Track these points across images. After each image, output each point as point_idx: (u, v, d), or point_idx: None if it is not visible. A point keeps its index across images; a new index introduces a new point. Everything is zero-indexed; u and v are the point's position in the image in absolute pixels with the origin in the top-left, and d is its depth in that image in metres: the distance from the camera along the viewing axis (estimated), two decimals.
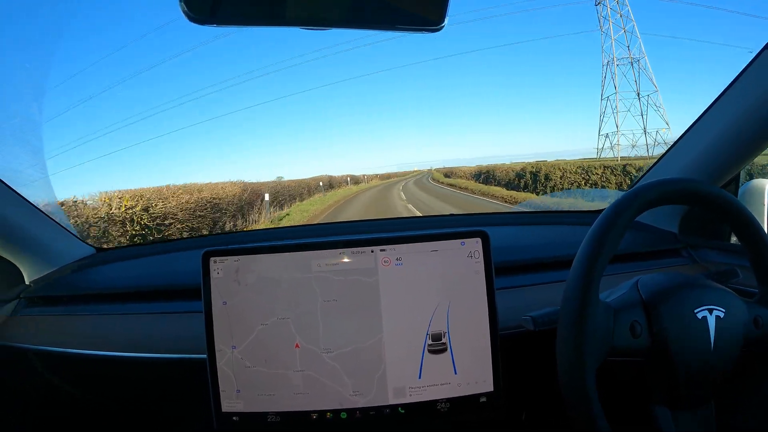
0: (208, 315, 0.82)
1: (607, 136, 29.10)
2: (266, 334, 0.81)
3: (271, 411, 0.81)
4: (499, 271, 0.86)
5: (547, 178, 17.59)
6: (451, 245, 0.84)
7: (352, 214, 13.28)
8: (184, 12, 0.66)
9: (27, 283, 1.11)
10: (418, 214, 10.37)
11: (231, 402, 0.81)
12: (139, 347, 0.94)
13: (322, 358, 0.81)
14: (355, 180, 34.21)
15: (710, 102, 1.07)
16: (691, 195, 0.73)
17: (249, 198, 11.59)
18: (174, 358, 0.92)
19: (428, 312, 0.82)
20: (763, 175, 1.26)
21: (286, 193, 15.47)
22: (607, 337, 0.68)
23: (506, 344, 0.85)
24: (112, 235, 6.99)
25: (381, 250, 0.83)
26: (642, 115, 28.38)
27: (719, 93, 1.06)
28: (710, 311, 0.70)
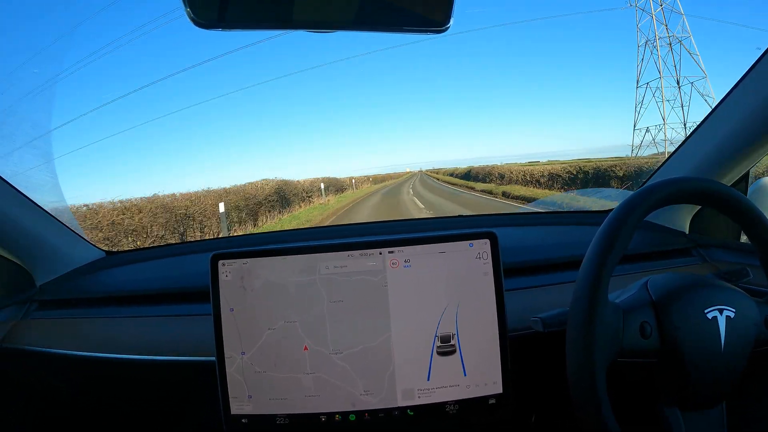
0: (217, 320, 0.82)
1: (647, 130, 24.44)
2: (274, 339, 0.82)
3: (280, 413, 0.81)
4: (507, 272, 0.86)
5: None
6: (460, 246, 0.83)
7: None
8: (191, 17, 0.66)
9: (37, 286, 1.13)
10: None
11: (240, 404, 0.82)
12: (149, 350, 0.94)
13: (331, 360, 0.81)
14: (338, 186, 22.72)
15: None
16: (700, 194, 0.73)
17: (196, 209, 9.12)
18: (183, 360, 0.92)
19: (437, 314, 0.82)
20: None
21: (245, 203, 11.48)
22: (617, 338, 0.68)
23: (515, 346, 0.84)
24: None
25: (389, 252, 0.83)
26: (682, 107, 23.28)
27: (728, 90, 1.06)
28: (720, 311, 0.70)
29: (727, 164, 1.09)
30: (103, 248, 1.30)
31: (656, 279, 0.76)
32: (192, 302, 1.04)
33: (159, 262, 1.29)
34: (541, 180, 17.78)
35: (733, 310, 0.70)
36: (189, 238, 8.53)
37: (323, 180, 19.20)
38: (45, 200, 1.12)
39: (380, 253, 0.83)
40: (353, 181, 28.21)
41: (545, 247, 1.21)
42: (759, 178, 1.20)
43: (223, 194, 10.74)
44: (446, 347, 0.82)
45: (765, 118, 0.96)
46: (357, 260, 0.83)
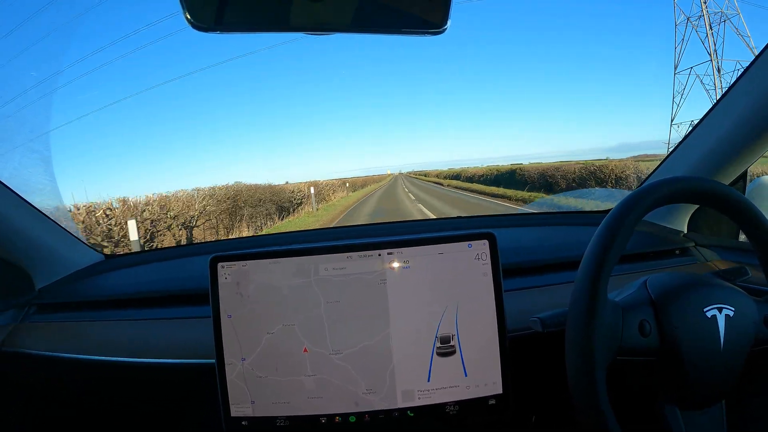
0: (217, 323, 0.82)
1: (691, 124, 16.66)
2: (274, 343, 0.82)
3: (280, 415, 0.81)
4: (506, 272, 0.86)
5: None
6: (459, 247, 0.83)
7: None
8: (188, 20, 0.66)
9: (36, 289, 1.12)
10: None
11: (240, 407, 0.82)
12: (148, 353, 0.94)
13: (331, 360, 0.81)
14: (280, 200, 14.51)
15: None
16: (698, 193, 0.73)
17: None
18: (183, 363, 0.92)
19: (436, 315, 0.82)
20: None
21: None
22: (616, 337, 0.68)
23: (515, 346, 0.85)
24: None
25: (388, 254, 0.83)
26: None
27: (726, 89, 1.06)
28: (720, 310, 0.70)
29: (725, 163, 1.09)
30: (102, 251, 1.30)
31: (655, 278, 0.76)
32: (191, 305, 1.04)
33: (158, 265, 1.29)
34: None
35: (732, 309, 0.70)
36: None
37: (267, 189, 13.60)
38: (44, 203, 1.12)
39: (379, 255, 0.83)
40: (311, 190, 17.03)
41: (544, 247, 1.21)
42: (757, 176, 1.20)
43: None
44: (446, 348, 0.82)
45: (763, 117, 0.97)
46: (356, 262, 0.83)
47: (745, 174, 1.14)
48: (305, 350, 0.81)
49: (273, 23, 0.72)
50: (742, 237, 1.18)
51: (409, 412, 0.82)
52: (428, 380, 0.82)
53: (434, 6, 0.70)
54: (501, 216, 1.66)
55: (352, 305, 0.82)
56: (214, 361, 0.82)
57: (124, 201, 8.69)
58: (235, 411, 0.82)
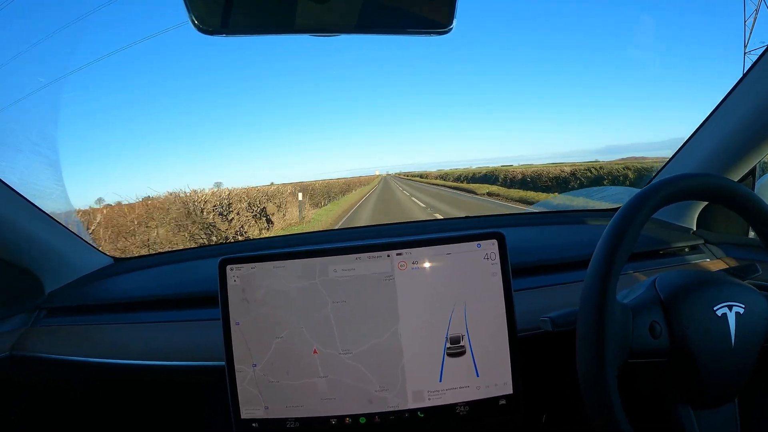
0: (226, 326, 0.82)
1: None
2: (283, 347, 0.82)
3: (290, 417, 0.81)
4: (515, 272, 0.86)
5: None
6: (467, 247, 0.83)
7: None
8: (194, 24, 0.66)
9: (46, 294, 1.13)
10: None
11: (250, 409, 0.82)
12: (158, 355, 0.95)
13: (342, 360, 0.81)
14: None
15: None
16: (708, 190, 0.72)
17: None
18: (193, 365, 0.93)
19: (446, 315, 0.82)
20: None
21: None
22: (626, 340, 0.68)
23: (525, 346, 0.84)
24: None
25: (397, 254, 0.83)
26: None
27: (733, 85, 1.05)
28: (730, 308, 0.69)
29: (733, 160, 1.08)
30: (112, 255, 1.31)
31: (664, 277, 0.76)
32: (201, 307, 1.04)
33: (167, 267, 1.29)
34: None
35: (743, 306, 0.70)
36: None
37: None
38: (52, 207, 1.13)
39: (388, 255, 0.83)
40: (287, 188, 13.20)
41: (553, 246, 1.21)
42: (766, 173, 1.19)
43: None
44: (456, 348, 0.81)
45: None
46: (365, 263, 0.83)
47: (754, 170, 1.13)
48: (315, 352, 0.81)
49: (278, 25, 0.72)
50: (752, 234, 1.18)
51: (419, 412, 0.82)
52: (440, 380, 0.81)
53: (440, 5, 0.70)
54: (509, 215, 1.65)
55: (359, 304, 0.82)
56: (224, 363, 0.82)
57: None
58: (246, 413, 0.82)
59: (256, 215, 10.56)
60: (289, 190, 13.22)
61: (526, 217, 1.67)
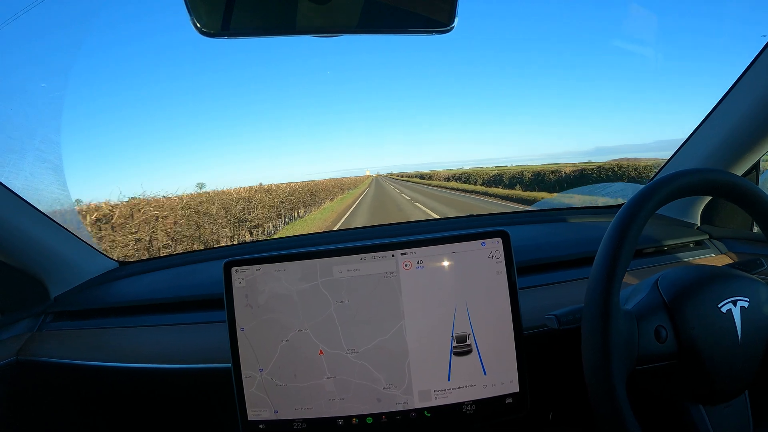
0: (232, 328, 0.82)
1: None
2: (289, 349, 0.82)
3: (297, 418, 0.81)
4: (520, 270, 0.86)
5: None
6: (472, 246, 0.83)
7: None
8: (195, 26, 0.67)
9: (52, 298, 1.14)
10: None
11: (257, 411, 0.82)
12: (165, 358, 0.95)
13: (348, 360, 0.81)
14: None
15: None
16: (712, 185, 0.72)
17: None
18: (199, 368, 0.93)
19: (451, 314, 0.82)
20: None
21: None
22: (633, 348, 0.67)
23: (530, 344, 0.84)
24: None
25: (402, 254, 0.83)
26: None
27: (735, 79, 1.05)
28: (734, 303, 0.69)
29: (737, 154, 1.08)
30: (116, 258, 1.32)
31: (666, 277, 0.75)
32: (206, 310, 1.04)
33: (172, 270, 1.29)
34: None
35: (747, 299, 0.70)
36: None
37: None
38: (57, 212, 1.13)
39: (393, 255, 0.83)
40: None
41: (558, 244, 1.20)
42: None
43: None
44: (462, 347, 0.81)
45: None
46: (369, 263, 0.82)
47: (758, 165, 1.13)
48: (321, 353, 0.81)
49: (280, 27, 0.72)
50: (757, 228, 1.17)
51: (426, 412, 0.81)
52: (449, 379, 0.81)
53: (441, 4, 0.70)
54: (513, 213, 1.65)
55: (362, 303, 0.82)
56: (230, 365, 0.82)
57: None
58: (252, 415, 0.82)
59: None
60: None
61: (531, 215, 1.67)
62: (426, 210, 14.40)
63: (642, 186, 0.72)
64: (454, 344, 0.81)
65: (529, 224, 1.43)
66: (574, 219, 1.45)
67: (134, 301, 1.12)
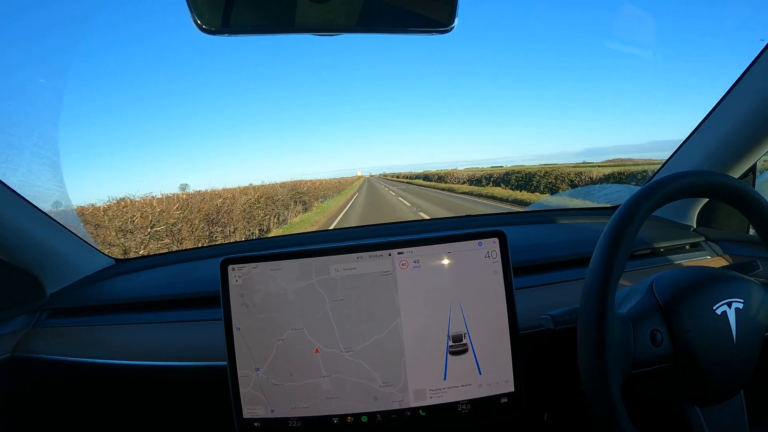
0: (228, 326, 0.82)
1: None
2: (285, 348, 0.82)
3: (292, 417, 0.81)
4: (517, 270, 0.86)
5: None
6: (469, 246, 0.83)
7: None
8: (196, 24, 0.67)
9: (48, 295, 1.13)
10: None
11: (252, 408, 0.82)
12: (161, 356, 0.95)
13: (344, 358, 0.81)
14: None
15: None
16: (708, 187, 0.72)
17: None
18: (195, 365, 0.93)
19: (447, 313, 0.82)
20: None
21: None
22: (629, 352, 0.67)
23: (526, 344, 0.84)
24: None
25: (398, 253, 0.83)
26: None
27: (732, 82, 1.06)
28: (729, 305, 0.69)
29: (734, 157, 1.08)
30: (113, 255, 1.31)
31: (661, 279, 0.75)
32: (203, 307, 1.04)
33: (168, 268, 1.29)
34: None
35: (741, 300, 0.70)
36: None
37: None
38: (54, 209, 1.13)
39: (389, 254, 0.83)
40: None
41: (554, 244, 1.21)
42: (767, 170, 1.20)
43: None
44: (458, 346, 0.81)
45: None
46: (366, 262, 0.83)
47: (754, 167, 1.13)
48: (317, 351, 0.81)
49: (280, 25, 0.72)
50: (753, 231, 1.18)
51: (421, 411, 0.82)
52: (444, 378, 0.81)
53: (441, 4, 0.70)
54: (510, 214, 1.65)
55: (358, 302, 0.82)
56: (226, 363, 0.82)
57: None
58: (248, 413, 0.82)
59: None
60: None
61: (527, 215, 1.68)
62: None
63: (639, 188, 0.72)
64: (450, 343, 0.81)
65: (526, 225, 1.44)
66: (570, 220, 1.46)
67: (130, 299, 1.12)
